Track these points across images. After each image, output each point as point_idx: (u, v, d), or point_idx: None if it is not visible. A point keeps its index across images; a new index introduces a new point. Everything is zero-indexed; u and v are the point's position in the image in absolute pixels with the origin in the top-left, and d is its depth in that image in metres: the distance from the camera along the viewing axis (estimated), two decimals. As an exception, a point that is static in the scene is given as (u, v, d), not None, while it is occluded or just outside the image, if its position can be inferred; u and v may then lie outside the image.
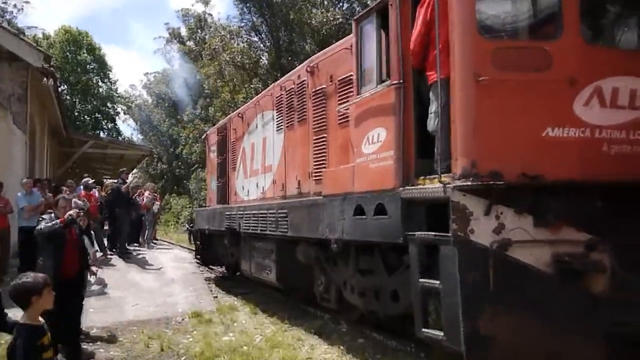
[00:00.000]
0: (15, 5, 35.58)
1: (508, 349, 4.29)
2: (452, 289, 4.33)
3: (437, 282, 4.54)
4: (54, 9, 77.68)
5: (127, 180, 13.72)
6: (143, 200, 16.07)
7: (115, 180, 14.09)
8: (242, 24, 29.96)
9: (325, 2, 27.30)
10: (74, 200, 7.99)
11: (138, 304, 9.12)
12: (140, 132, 45.42)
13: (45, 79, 12.49)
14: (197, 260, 13.74)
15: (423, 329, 4.76)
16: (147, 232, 16.30)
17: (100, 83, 42.60)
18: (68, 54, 39.45)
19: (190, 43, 38.55)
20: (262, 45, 30.11)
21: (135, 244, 15.29)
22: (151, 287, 10.36)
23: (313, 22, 25.38)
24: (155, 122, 41.92)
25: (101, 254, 12.38)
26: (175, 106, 39.20)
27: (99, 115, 42.54)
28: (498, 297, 4.24)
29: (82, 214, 7.23)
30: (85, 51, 40.18)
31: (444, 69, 4.54)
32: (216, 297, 10.27)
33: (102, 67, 42.23)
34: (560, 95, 4.41)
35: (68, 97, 40.15)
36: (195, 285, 10.74)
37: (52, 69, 12.86)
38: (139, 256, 13.44)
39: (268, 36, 29.13)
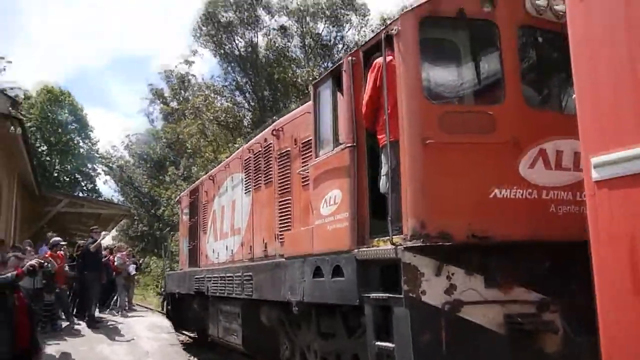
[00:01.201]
0: (-6, 66, 35.65)
1: (463, 414, 4.21)
2: (405, 351, 4.28)
3: (392, 344, 4.48)
4: (37, 70, 78.72)
5: (98, 239, 12.58)
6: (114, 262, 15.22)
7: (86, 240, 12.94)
8: (226, 83, 30.03)
9: (311, 63, 28.00)
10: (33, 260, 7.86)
11: (105, 384, 8.18)
12: (121, 193, 44.96)
13: (12, 127, 11.06)
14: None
15: (380, 395, 4.66)
16: (118, 297, 15.18)
17: (80, 143, 41.95)
18: (49, 113, 38.98)
19: (174, 103, 38.67)
20: (246, 104, 30.01)
21: (108, 311, 14.37)
22: (122, 363, 9.14)
23: (298, 81, 25.97)
24: (137, 183, 41.47)
25: (67, 322, 11.71)
26: (157, 167, 38.82)
27: (79, 176, 41.70)
28: (452, 359, 4.19)
29: (46, 265, 7.05)
30: (66, 111, 39.73)
31: (393, 132, 4.67)
32: (199, 375, 9.30)
33: (84, 127, 41.69)
34: (505, 156, 4.54)
35: (47, 158, 39.60)
36: (174, 361, 9.46)
37: (20, 115, 11.50)
38: (110, 325, 12.23)
39: (252, 95, 29.09)
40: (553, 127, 4.73)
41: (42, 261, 6.15)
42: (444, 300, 4.25)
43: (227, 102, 29.81)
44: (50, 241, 11.99)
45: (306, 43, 28.82)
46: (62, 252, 12.23)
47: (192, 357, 10.47)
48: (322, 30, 29.22)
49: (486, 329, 4.28)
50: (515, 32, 4.76)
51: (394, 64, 4.74)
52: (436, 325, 4.20)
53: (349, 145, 5.16)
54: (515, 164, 4.55)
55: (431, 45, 4.77)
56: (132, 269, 15.55)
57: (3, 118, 10.79)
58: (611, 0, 2.98)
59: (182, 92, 36.95)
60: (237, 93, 30.43)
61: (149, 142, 39.89)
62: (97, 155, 43.48)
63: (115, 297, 15.21)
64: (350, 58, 5.33)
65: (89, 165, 42.86)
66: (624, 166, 2.77)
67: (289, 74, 26.87)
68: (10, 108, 10.40)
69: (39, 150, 39.07)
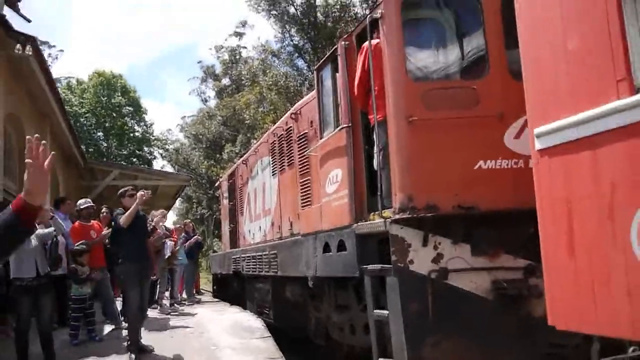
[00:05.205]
0: (50, 55, 36.30)
1: (453, 375, 4.46)
2: (397, 318, 4.55)
3: (386, 312, 4.77)
4: (90, 64, 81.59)
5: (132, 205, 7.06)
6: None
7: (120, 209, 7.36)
8: (284, 44, 28.00)
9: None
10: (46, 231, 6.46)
11: None
12: (179, 177, 45.47)
13: (18, 45, 7.87)
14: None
15: (379, 359, 4.96)
16: (159, 287, 10.93)
17: (135, 126, 42.26)
18: (102, 97, 39.38)
19: (226, 80, 37.59)
20: (305, 67, 27.34)
21: (154, 306, 10.52)
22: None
23: None
24: (193, 164, 41.48)
25: (112, 326, 8.46)
26: (213, 146, 38.34)
27: (135, 160, 41.47)
28: (439, 325, 4.43)
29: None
30: (119, 94, 39.94)
31: (381, 111, 4.89)
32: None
33: (137, 111, 41.85)
34: (489, 129, 4.68)
35: (104, 143, 40.18)
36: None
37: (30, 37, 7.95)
38: (174, 328, 8.57)
39: (313, 57, 26.19)
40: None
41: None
42: (431, 268, 4.48)
43: (285, 65, 27.73)
44: (77, 205, 8.37)
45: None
46: (97, 222, 8.75)
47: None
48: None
49: (473, 295, 4.49)
50: (499, 5, 4.84)
51: (380, 47, 4.94)
52: (424, 292, 4.45)
53: (345, 125, 5.43)
54: (500, 136, 4.69)
55: (415, 25, 4.95)
56: (168, 248, 11.07)
57: (10, 40, 7.68)
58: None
59: (234, 65, 35.94)
60: (295, 56, 27.84)
61: (203, 121, 39.01)
62: (153, 138, 43.35)
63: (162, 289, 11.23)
64: (344, 42, 5.57)
65: (145, 149, 42.82)
66: (560, 135, 2.94)
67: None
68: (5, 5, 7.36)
69: (95, 135, 40.11)
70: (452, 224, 4.59)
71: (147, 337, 7.38)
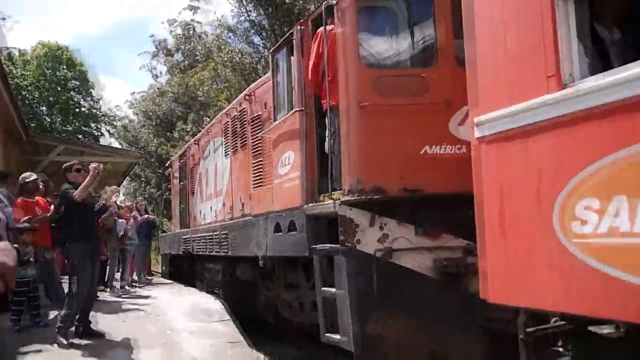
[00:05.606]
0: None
1: (395, 348, 4.72)
2: (344, 295, 4.77)
3: (334, 289, 4.97)
4: (39, 37, 78.12)
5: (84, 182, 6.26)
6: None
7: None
8: (241, 19, 26.65)
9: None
10: None
11: None
12: (127, 154, 44.05)
13: None
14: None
15: (326, 334, 5.18)
16: (109, 268, 10.43)
17: (82, 102, 39.38)
18: (46, 70, 36.62)
19: (178, 55, 36.32)
20: (261, 45, 26.22)
21: (102, 288, 9.76)
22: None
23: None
24: (142, 142, 39.98)
25: (58, 310, 7.10)
26: (164, 124, 36.35)
27: (81, 136, 37.87)
28: (383, 301, 4.68)
29: None
30: (65, 67, 37.23)
31: (334, 96, 5.05)
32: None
33: (84, 84, 39.04)
34: (436, 116, 4.91)
35: (47, 118, 37.83)
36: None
37: None
38: (128, 311, 8.22)
39: (270, 33, 24.92)
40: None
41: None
42: (377, 247, 4.71)
43: (241, 42, 26.60)
44: (21, 178, 7.34)
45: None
46: (42, 198, 7.77)
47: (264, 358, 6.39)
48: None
49: (416, 272, 4.75)
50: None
51: (334, 33, 5.08)
52: (370, 270, 4.67)
53: (299, 109, 5.56)
54: (446, 123, 4.93)
55: (369, 13, 5.10)
56: (120, 227, 10.47)
57: None
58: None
59: (187, 40, 34.31)
60: (252, 32, 26.52)
61: (154, 98, 37.06)
62: (100, 114, 40.82)
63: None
64: (299, 27, 5.68)
65: (92, 125, 40.17)
66: (496, 125, 3.17)
67: (311, 8, 24.03)
68: None
69: (38, 110, 37.70)
70: (399, 206, 4.82)
71: (98, 322, 7.07)
